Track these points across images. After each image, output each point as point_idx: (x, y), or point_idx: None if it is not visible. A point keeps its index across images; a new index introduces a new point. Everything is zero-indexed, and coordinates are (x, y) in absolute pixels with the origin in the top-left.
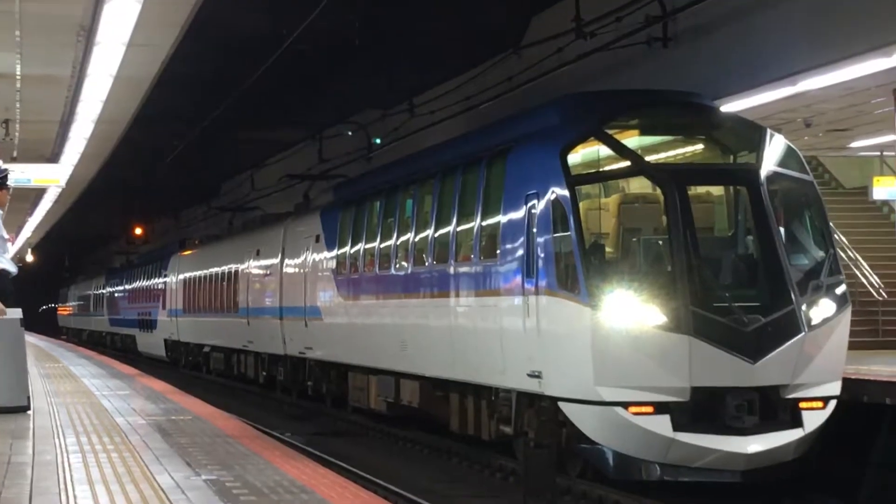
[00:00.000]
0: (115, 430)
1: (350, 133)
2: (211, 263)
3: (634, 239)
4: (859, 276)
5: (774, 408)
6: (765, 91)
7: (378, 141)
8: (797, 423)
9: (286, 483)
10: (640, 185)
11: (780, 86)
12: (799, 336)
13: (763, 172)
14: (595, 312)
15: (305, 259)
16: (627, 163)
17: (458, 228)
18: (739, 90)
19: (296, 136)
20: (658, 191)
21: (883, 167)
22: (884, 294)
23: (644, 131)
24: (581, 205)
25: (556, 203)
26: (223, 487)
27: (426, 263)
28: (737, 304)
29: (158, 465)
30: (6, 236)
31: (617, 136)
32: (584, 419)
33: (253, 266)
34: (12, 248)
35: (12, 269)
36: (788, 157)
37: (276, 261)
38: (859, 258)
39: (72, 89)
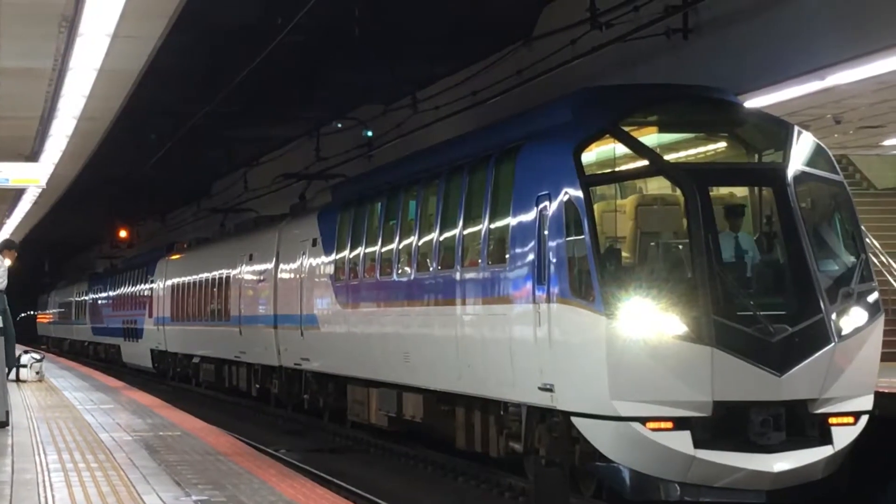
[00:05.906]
0: (100, 447)
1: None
2: (200, 269)
3: (653, 243)
4: (893, 282)
5: (802, 423)
6: (791, 86)
7: (370, 134)
8: (826, 439)
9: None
10: (658, 186)
11: (808, 80)
12: (828, 347)
13: (790, 172)
14: (610, 321)
15: (301, 264)
16: (645, 162)
17: (465, 232)
18: (764, 85)
19: (291, 133)
20: (678, 192)
21: None
22: None
23: (663, 128)
24: (596, 207)
25: (569, 205)
26: None
27: (430, 269)
28: (762, 313)
29: (146, 484)
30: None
31: (634, 134)
32: (598, 435)
33: (245, 271)
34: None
35: None
36: (817, 156)
37: (270, 266)
38: (893, 263)
39: (53, 83)
